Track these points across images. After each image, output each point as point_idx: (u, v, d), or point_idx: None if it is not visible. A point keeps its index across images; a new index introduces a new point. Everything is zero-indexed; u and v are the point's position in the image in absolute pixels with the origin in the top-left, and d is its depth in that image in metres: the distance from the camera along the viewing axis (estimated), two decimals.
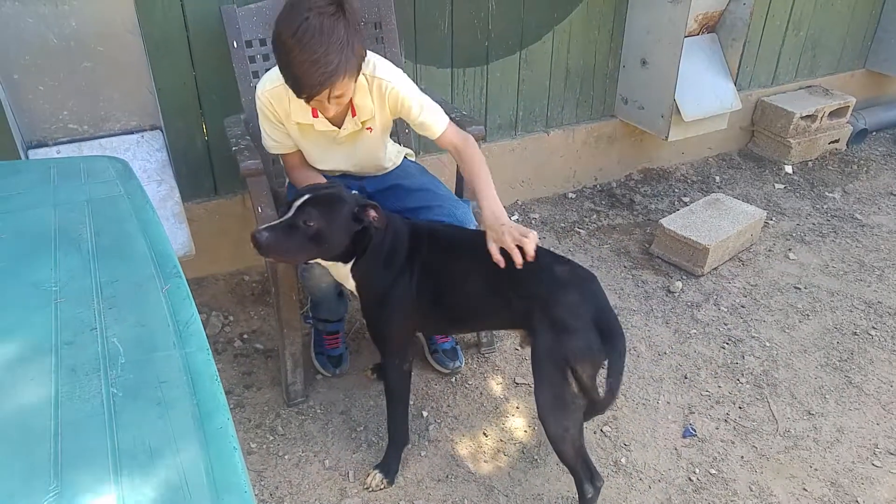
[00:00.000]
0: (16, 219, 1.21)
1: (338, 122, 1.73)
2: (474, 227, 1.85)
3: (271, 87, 1.68)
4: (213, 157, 2.33)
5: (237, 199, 2.40)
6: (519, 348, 2.22)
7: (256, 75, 1.97)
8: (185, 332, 0.95)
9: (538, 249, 1.57)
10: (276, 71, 1.64)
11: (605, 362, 1.53)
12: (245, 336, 2.26)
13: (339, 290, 1.88)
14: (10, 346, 0.91)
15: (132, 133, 1.94)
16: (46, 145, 1.85)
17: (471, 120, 2.03)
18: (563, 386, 1.51)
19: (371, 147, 1.83)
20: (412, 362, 1.76)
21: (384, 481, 1.76)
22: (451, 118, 2.02)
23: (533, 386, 1.58)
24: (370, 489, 1.75)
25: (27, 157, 1.81)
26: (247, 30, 2.01)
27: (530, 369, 1.57)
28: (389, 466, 1.78)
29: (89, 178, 1.37)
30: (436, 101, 1.79)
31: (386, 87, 1.69)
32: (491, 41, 2.66)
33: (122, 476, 0.74)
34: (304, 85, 1.52)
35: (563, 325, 1.51)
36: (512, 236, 1.53)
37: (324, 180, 1.81)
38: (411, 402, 2.01)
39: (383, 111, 1.75)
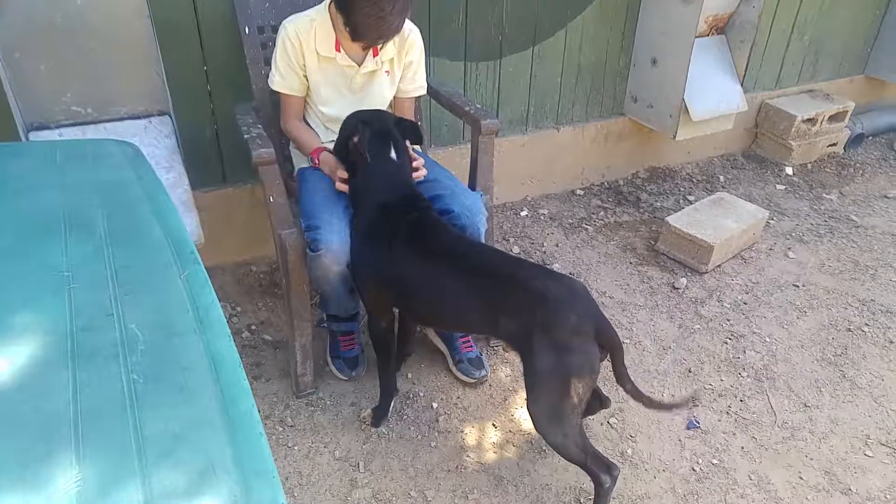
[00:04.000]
0: (20, 202, 1.17)
1: (358, 60, 1.86)
2: (484, 217, 1.85)
3: (299, 21, 1.82)
4: (222, 144, 2.30)
5: (246, 188, 2.37)
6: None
7: (268, 62, 1.94)
8: (205, 319, 0.93)
9: (521, 263, 1.65)
10: (306, 13, 1.83)
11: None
12: (253, 327, 2.24)
13: (349, 285, 1.86)
14: (25, 332, 0.89)
15: (139, 118, 1.90)
16: (48, 128, 1.82)
17: (486, 113, 2.01)
18: (563, 399, 1.52)
19: (382, 92, 1.94)
20: (392, 322, 1.86)
21: (371, 420, 1.90)
22: (466, 110, 2.03)
23: (526, 398, 1.58)
24: (362, 420, 1.91)
25: (27, 140, 1.78)
26: (259, 15, 1.99)
27: None
28: (379, 412, 1.90)
29: (97, 162, 1.34)
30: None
31: (407, 33, 1.89)
32: (504, 36, 2.65)
33: (148, 462, 0.72)
34: (365, 35, 1.70)
35: (566, 345, 1.51)
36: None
37: (318, 139, 1.92)
38: (421, 393, 2.03)
39: (401, 55, 1.91)
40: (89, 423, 0.76)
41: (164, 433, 0.75)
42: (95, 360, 0.85)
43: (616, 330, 1.59)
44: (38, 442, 0.73)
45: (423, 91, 2.02)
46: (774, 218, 3.04)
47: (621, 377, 1.61)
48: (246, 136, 1.81)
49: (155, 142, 1.91)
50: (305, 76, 1.88)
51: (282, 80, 1.87)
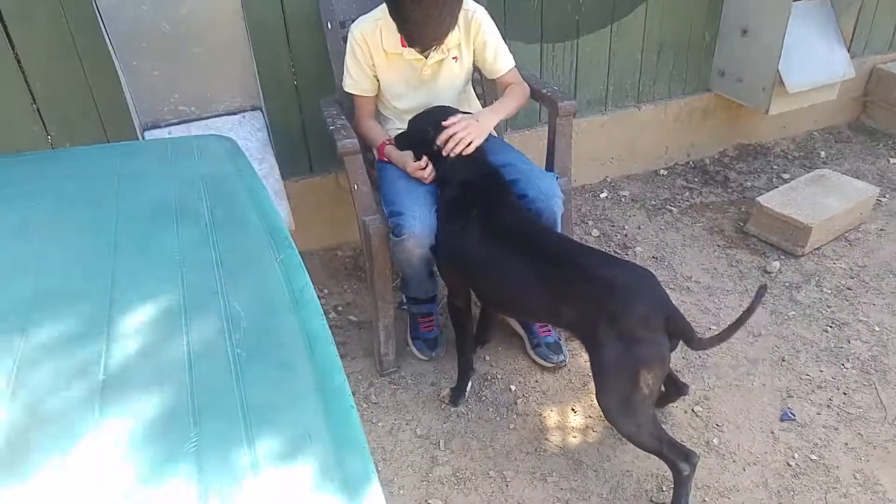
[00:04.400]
0: (143, 195, 1.30)
1: (425, 52, 1.88)
2: (560, 200, 1.85)
3: (365, 24, 1.88)
4: (308, 136, 2.42)
5: (331, 177, 2.48)
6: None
7: None
8: (300, 299, 1.01)
9: (586, 251, 1.65)
10: (371, 14, 1.88)
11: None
12: (339, 308, 2.35)
13: (430, 268, 1.92)
14: (149, 309, 0.99)
15: (235, 114, 2.03)
16: (159, 126, 1.98)
17: (563, 95, 2.00)
18: (633, 391, 1.51)
19: (453, 80, 1.98)
20: (468, 300, 1.90)
21: (449, 399, 1.95)
22: (542, 92, 2.04)
23: (595, 389, 1.58)
24: (441, 399, 1.97)
25: (143, 138, 1.95)
26: (341, 11, 2.07)
27: None
28: (456, 391, 1.96)
29: (202, 157, 1.45)
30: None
31: (471, 14, 1.89)
32: (581, 15, 2.60)
33: (252, 429, 0.79)
34: (417, 40, 1.76)
35: (634, 336, 1.50)
36: (466, 131, 1.77)
37: (384, 135, 1.99)
38: (499, 375, 2.06)
39: (468, 39, 1.93)
40: (202, 392, 0.84)
41: (265, 403, 0.82)
42: (205, 335, 0.93)
43: (689, 321, 1.54)
44: (163, 403, 0.82)
45: (512, 63, 1.99)
46: (887, 195, 2.81)
47: (697, 344, 1.56)
48: (331, 128, 1.90)
49: (249, 135, 2.03)
50: (375, 76, 1.95)
51: (353, 82, 1.95)
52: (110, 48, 1.80)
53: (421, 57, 1.89)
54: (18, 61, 1.98)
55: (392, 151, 1.93)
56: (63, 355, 0.89)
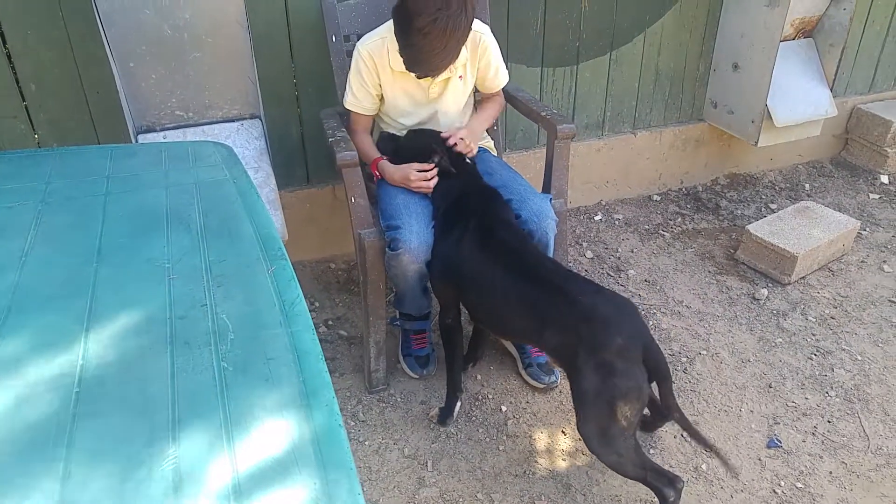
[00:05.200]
0: (132, 198, 1.28)
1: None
2: (553, 222, 1.86)
3: (371, 42, 1.88)
4: (307, 147, 2.40)
5: (327, 188, 2.46)
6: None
7: None
8: (290, 312, 0.98)
9: (572, 277, 1.65)
10: (377, 31, 1.89)
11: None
12: (330, 322, 2.33)
13: (425, 284, 1.90)
14: (131, 318, 0.96)
15: (233, 121, 2.02)
16: (154, 130, 1.96)
17: (562, 118, 2.01)
18: (611, 423, 1.50)
19: (457, 97, 2.00)
20: (458, 317, 1.89)
21: (437, 418, 1.93)
22: (542, 115, 2.04)
23: (576, 419, 1.57)
24: (430, 419, 1.95)
25: (136, 141, 1.92)
26: (346, 24, 2.06)
27: None
28: (445, 410, 1.93)
29: (197, 162, 1.43)
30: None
31: (479, 37, 1.92)
32: (582, 41, 2.63)
33: (235, 445, 0.77)
34: (415, 69, 1.79)
35: (611, 367, 1.48)
36: (467, 139, 1.87)
37: (377, 152, 1.98)
38: (490, 395, 2.04)
39: (474, 59, 1.96)
40: (184, 406, 0.82)
41: (250, 419, 0.80)
42: (191, 347, 0.91)
43: (666, 356, 1.55)
44: (140, 420, 0.79)
45: (507, 80, 2.08)
46: (867, 228, 2.87)
47: (669, 407, 1.57)
48: (330, 140, 1.89)
49: (246, 143, 2.02)
50: (380, 95, 1.95)
51: (355, 100, 1.94)
52: (107, 49, 1.78)
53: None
54: (9, 58, 1.96)
55: (386, 166, 1.92)
56: (35, 366, 0.86)
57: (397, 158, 1.92)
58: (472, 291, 1.77)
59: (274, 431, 0.79)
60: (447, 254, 1.78)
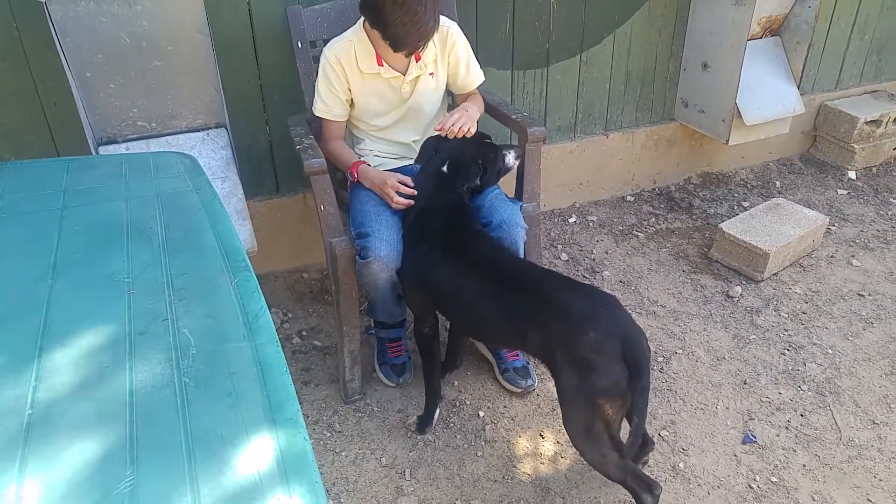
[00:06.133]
0: (91, 212, 1.25)
1: (402, 70, 1.90)
2: (522, 230, 1.85)
3: (338, 45, 1.87)
4: (275, 155, 2.37)
5: (298, 197, 2.43)
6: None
7: None
8: (254, 325, 0.96)
9: (547, 275, 1.65)
10: (344, 35, 1.87)
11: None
12: (303, 333, 2.29)
13: (397, 292, 1.88)
14: (87, 334, 0.94)
15: (198, 131, 1.98)
16: (116, 142, 1.91)
17: (533, 121, 2.01)
18: (593, 420, 1.49)
19: (430, 96, 1.98)
20: (435, 326, 1.87)
21: (416, 426, 1.90)
22: (512, 119, 2.04)
23: (562, 417, 1.56)
24: (408, 427, 1.92)
25: (97, 153, 1.87)
26: (311, 30, 2.04)
27: None
28: (423, 418, 1.91)
29: (159, 174, 1.40)
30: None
31: (446, 31, 1.91)
32: (552, 43, 2.64)
33: (196, 463, 0.74)
34: (405, 43, 1.75)
35: (588, 364, 1.47)
36: (462, 120, 1.81)
37: (355, 156, 1.96)
38: (467, 401, 2.03)
39: (443, 54, 1.95)
40: (143, 424, 0.79)
41: (212, 436, 0.78)
42: (150, 364, 0.88)
43: (654, 345, 1.53)
44: (96, 441, 0.77)
45: (483, 78, 2.05)
46: (836, 224, 2.92)
47: (633, 404, 1.50)
48: (298, 147, 1.86)
49: (212, 153, 1.98)
50: (350, 100, 1.93)
51: (324, 106, 1.92)
52: (63, 59, 1.74)
53: (398, 74, 1.89)
54: None
55: (367, 171, 1.90)
56: None
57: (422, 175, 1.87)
58: (448, 302, 1.75)
59: (237, 448, 0.77)
60: (417, 266, 1.76)
